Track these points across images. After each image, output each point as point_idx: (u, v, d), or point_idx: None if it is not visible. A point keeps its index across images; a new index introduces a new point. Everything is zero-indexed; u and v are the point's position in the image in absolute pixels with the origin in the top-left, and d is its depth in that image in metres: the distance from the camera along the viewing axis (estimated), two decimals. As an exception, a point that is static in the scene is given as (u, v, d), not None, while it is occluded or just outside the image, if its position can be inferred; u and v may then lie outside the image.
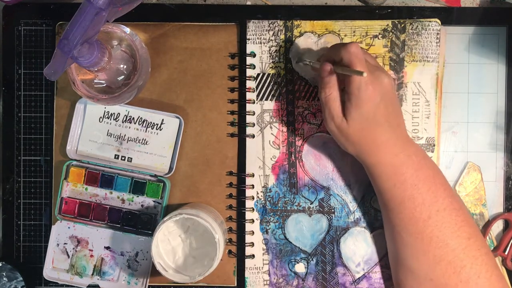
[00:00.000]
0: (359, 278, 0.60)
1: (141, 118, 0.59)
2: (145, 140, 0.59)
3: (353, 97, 0.50)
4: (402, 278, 0.54)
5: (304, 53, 0.59)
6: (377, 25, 0.59)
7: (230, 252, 0.60)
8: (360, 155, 0.53)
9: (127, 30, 0.54)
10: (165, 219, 0.53)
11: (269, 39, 0.59)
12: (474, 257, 0.51)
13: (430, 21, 0.59)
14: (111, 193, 0.60)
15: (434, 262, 0.51)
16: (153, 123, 0.59)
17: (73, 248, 0.60)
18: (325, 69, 0.52)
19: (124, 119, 0.59)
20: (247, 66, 0.59)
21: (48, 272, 0.59)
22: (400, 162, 0.52)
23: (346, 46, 0.50)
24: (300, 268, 0.60)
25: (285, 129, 0.60)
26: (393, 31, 0.59)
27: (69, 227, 0.60)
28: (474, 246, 0.51)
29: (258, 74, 0.59)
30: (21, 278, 0.59)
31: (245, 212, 0.59)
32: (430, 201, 0.51)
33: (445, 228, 0.51)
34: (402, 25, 0.59)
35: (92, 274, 0.59)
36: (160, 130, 0.59)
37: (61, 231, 0.60)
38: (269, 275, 0.59)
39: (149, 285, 0.60)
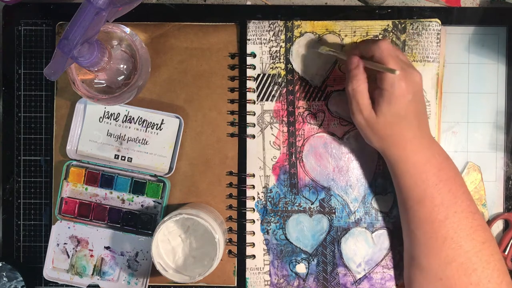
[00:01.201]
0: (360, 278, 0.60)
1: (141, 118, 0.59)
2: (145, 140, 0.59)
3: (386, 93, 0.50)
4: (412, 275, 0.54)
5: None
6: (378, 25, 0.59)
7: (230, 252, 0.60)
8: (386, 150, 0.53)
9: (127, 30, 0.54)
10: (165, 219, 0.53)
11: (269, 39, 0.59)
12: (487, 262, 0.50)
13: (431, 21, 0.59)
14: (111, 193, 0.60)
15: (445, 262, 0.51)
16: (153, 123, 0.59)
17: (73, 248, 0.60)
18: (353, 62, 0.51)
19: (124, 119, 0.59)
20: (247, 66, 0.59)
21: (48, 272, 0.59)
22: (424, 160, 0.51)
23: (377, 43, 0.50)
24: (301, 268, 0.60)
25: (285, 129, 0.59)
26: (393, 31, 0.59)
27: (69, 227, 0.60)
28: (488, 251, 0.51)
29: (259, 75, 0.59)
30: (21, 278, 0.59)
31: (245, 212, 0.59)
32: (449, 202, 0.51)
33: (461, 230, 0.51)
34: (403, 25, 0.59)
35: (92, 274, 0.59)
36: (160, 130, 0.59)
37: (61, 231, 0.60)
38: (270, 275, 0.59)
39: (149, 285, 0.60)
